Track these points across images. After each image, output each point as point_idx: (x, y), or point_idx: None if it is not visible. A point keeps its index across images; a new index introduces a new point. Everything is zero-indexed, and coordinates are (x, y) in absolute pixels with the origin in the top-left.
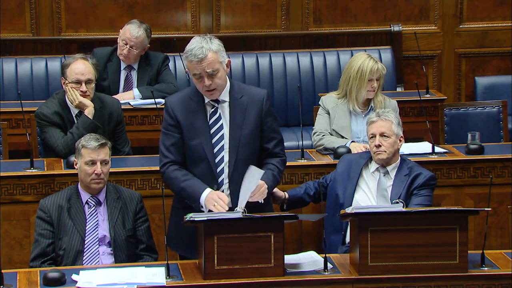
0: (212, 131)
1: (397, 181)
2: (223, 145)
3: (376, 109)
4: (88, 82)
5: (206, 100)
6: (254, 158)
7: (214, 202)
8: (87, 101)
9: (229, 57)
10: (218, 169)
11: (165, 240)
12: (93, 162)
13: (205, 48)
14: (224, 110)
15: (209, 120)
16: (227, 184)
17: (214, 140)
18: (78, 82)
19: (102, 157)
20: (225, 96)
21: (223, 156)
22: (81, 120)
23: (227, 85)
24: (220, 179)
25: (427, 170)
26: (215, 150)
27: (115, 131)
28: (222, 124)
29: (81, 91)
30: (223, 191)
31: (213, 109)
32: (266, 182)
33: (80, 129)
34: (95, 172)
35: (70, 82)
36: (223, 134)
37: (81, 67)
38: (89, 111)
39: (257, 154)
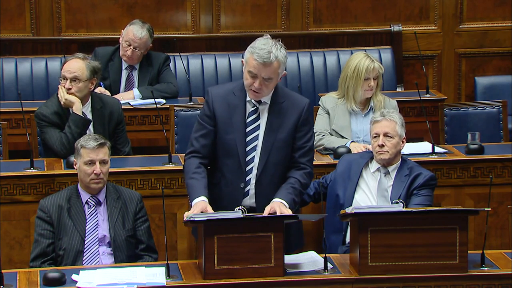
0: (248, 129)
1: (397, 181)
2: (256, 145)
3: (375, 109)
4: (74, 79)
5: (248, 98)
6: (284, 164)
7: (194, 211)
8: (72, 98)
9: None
10: (247, 168)
11: (165, 239)
12: (92, 162)
13: (273, 54)
14: (264, 112)
15: (247, 118)
16: (254, 184)
17: (248, 139)
18: (64, 78)
19: (101, 157)
20: (267, 98)
21: (253, 156)
22: (71, 118)
23: None
24: (247, 178)
25: (427, 170)
26: (247, 148)
27: (115, 131)
28: (259, 124)
29: (66, 87)
30: (248, 191)
31: (253, 108)
32: (285, 200)
33: (72, 127)
34: (94, 172)
35: (60, 79)
36: (258, 134)
37: (70, 64)
38: (77, 108)
39: (287, 161)
